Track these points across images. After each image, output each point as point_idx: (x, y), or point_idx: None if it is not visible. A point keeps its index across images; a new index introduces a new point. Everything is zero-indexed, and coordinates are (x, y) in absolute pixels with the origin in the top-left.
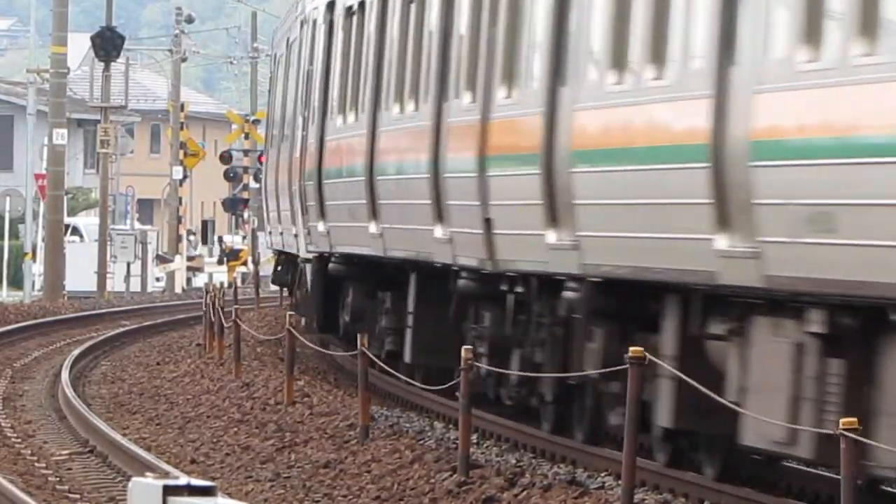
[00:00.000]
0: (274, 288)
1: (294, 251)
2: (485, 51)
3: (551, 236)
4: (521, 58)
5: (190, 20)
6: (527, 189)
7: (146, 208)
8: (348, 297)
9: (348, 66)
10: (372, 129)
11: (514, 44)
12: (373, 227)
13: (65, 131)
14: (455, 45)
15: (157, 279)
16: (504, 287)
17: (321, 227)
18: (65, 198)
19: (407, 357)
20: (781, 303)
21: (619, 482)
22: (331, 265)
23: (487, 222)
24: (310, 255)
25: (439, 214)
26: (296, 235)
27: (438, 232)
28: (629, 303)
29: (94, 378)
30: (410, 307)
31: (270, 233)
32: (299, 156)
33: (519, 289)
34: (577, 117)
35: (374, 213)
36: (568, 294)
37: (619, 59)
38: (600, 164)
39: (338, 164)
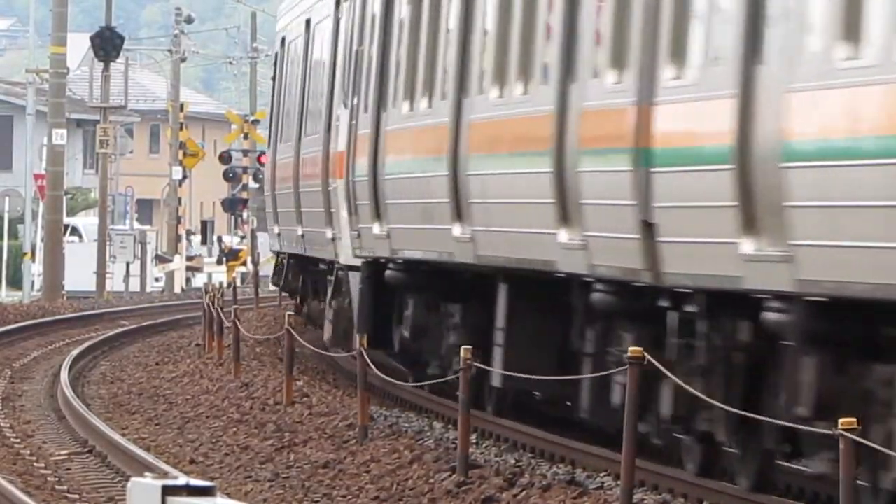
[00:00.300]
0: (273, 288)
1: (327, 256)
2: (640, 21)
3: (747, 245)
4: (694, 30)
5: (189, 20)
6: (710, 188)
7: (145, 208)
8: (408, 310)
9: (417, 45)
10: (456, 117)
11: (684, 12)
12: (458, 230)
13: (64, 131)
14: (586, 14)
15: (157, 279)
16: (665, 303)
17: (377, 229)
18: (64, 198)
19: (496, 380)
20: None
21: (619, 482)
22: (388, 272)
23: (648, 226)
24: (357, 262)
25: (565, 215)
26: (332, 239)
27: (564, 236)
28: (851, 326)
29: (93, 378)
30: (500, 323)
31: (279, 234)
32: (346, 149)
33: (690, 307)
34: (789, 101)
35: (459, 214)
36: (771, 315)
37: (852, 29)
38: (833, 157)
39: (404, 157)
